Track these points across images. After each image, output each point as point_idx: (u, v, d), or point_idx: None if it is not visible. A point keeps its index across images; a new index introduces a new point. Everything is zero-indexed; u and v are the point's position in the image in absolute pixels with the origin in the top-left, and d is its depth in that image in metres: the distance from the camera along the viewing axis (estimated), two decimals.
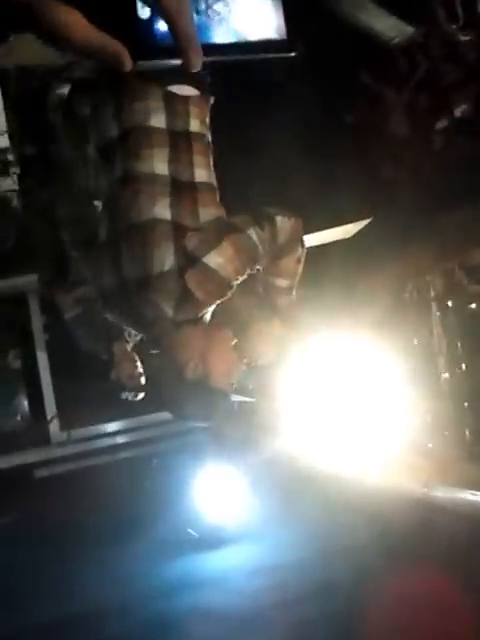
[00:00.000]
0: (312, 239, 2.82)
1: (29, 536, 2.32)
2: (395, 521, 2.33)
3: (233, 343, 2.11)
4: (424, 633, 1.99)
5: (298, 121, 2.86)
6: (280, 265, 2.10)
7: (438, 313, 2.96)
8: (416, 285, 2.95)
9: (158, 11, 0.84)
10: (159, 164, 1.99)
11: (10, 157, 2.54)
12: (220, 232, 1.96)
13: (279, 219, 2.01)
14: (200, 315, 2.02)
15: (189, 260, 1.93)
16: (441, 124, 3.12)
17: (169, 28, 0.86)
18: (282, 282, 2.15)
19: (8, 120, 2.53)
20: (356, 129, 3.02)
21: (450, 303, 2.96)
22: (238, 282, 1.99)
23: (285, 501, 2.56)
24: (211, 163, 2.09)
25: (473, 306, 2.98)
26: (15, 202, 2.72)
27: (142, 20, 1.29)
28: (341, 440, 2.79)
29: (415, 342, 2.96)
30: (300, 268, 2.15)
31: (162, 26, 1.27)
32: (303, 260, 2.15)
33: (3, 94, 2.50)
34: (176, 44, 0.87)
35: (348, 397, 2.80)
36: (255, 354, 2.20)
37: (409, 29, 2.97)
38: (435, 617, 2.03)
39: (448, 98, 3.10)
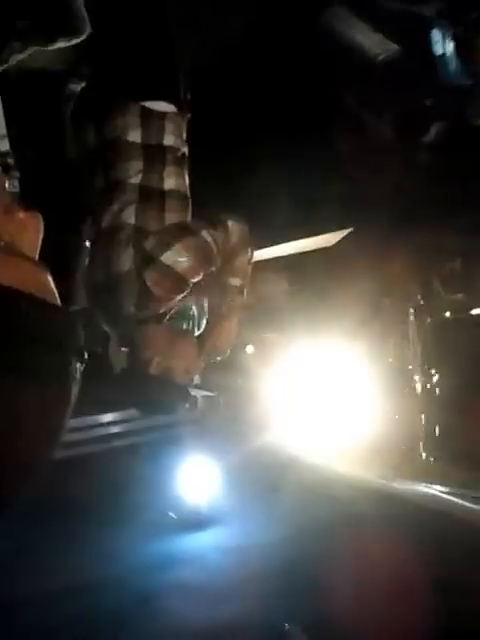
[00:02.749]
0: (292, 247, 3.02)
1: (24, 514, 2.54)
2: (359, 508, 2.55)
3: (193, 341, 2.33)
4: (378, 611, 2.18)
5: (280, 133, 2.99)
6: (234, 265, 2.33)
7: (413, 319, 3.15)
8: (393, 294, 3.15)
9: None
10: (132, 175, 2.22)
11: (10, 160, 2.60)
12: (176, 234, 2.19)
13: (230, 222, 2.26)
14: (161, 312, 2.24)
15: (147, 260, 2.16)
16: (424, 139, 3.27)
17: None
18: (236, 281, 2.38)
19: (8, 124, 2.57)
20: (337, 141, 3.17)
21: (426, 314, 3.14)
22: (194, 280, 2.21)
23: (262, 489, 2.79)
24: (185, 173, 2.31)
25: (447, 314, 3.17)
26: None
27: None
28: (316, 434, 3.03)
29: (391, 347, 3.16)
30: (250, 269, 2.37)
31: None
32: (252, 261, 2.36)
33: (3, 97, 2.55)
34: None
35: (323, 396, 3.04)
36: (213, 351, 2.41)
37: (394, 46, 3.11)
38: (388, 598, 2.22)
39: (429, 115, 3.24)
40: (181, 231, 2.23)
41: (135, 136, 2.23)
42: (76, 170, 2.39)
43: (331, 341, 3.04)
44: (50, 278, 0.84)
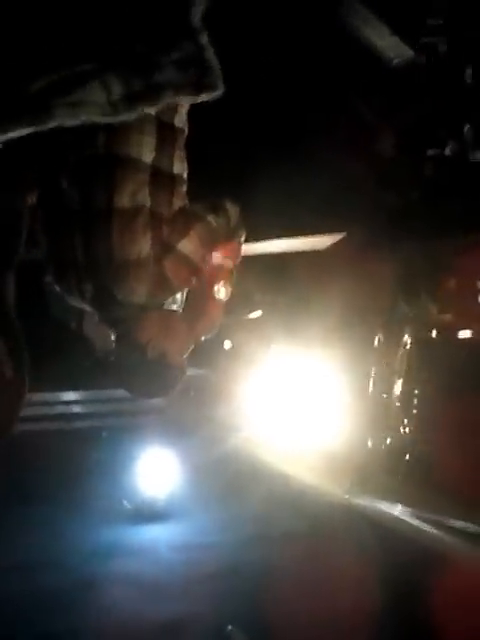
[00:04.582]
0: (283, 245, 2.94)
1: None
2: (316, 520, 2.50)
3: (184, 323, 2.29)
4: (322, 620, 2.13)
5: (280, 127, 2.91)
6: (228, 246, 2.27)
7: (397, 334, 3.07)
8: (378, 306, 3.07)
9: None
10: (146, 152, 2.14)
11: None
12: (187, 220, 2.13)
13: (228, 204, 2.20)
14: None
15: (165, 248, 2.10)
16: (431, 152, 3.21)
17: None
18: (228, 262, 2.32)
19: None
20: (339, 143, 3.10)
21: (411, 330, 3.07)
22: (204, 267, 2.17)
23: (223, 489, 2.74)
24: (185, 157, 2.25)
25: (434, 334, 3.09)
26: None
27: None
28: (285, 439, 2.96)
29: (370, 360, 3.07)
30: (241, 250, 2.32)
31: None
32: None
33: None
34: None
35: (296, 402, 2.97)
36: (202, 332, 2.37)
37: (410, 52, 3.05)
38: (333, 609, 2.17)
39: (437, 127, 3.18)
40: (191, 217, 2.17)
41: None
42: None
43: (309, 347, 2.98)
44: None
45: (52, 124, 1.57)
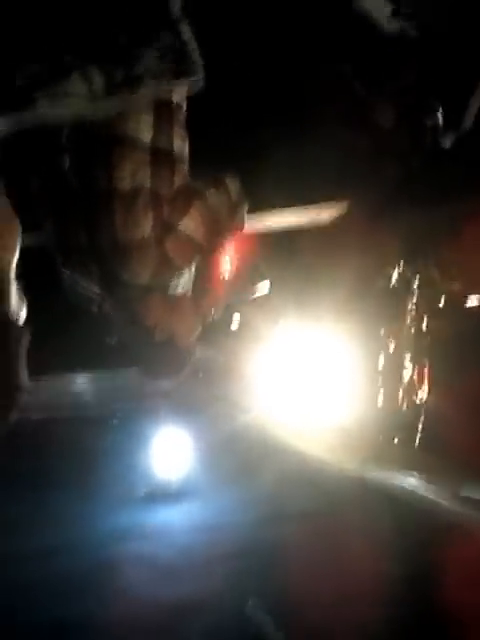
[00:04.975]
0: (283, 220, 2.89)
1: None
2: (333, 495, 2.50)
3: (191, 303, 2.27)
4: (342, 598, 2.14)
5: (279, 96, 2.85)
6: (230, 222, 2.25)
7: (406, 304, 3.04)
8: (385, 276, 3.04)
9: None
10: (144, 130, 2.11)
11: None
12: (187, 198, 2.11)
13: (228, 180, 2.17)
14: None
15: (166, 228, 2.07)
16: (430, 122, 3.16)
17: None
18: (231, 238, 2.31)
19: None
20: (338, 115, 3.04)
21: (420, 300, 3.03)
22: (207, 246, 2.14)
23: (237, 469, 2.75)
24: (185, 135, 2.21)
25: (442, 303, 3.06)
26: None
27: None
28: (298, 415, 2.95)
29: (380, 331, 3.05)
30: (244, 225, 2.31)
31: None
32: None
33: None
34: None
35: (308, 377, 2.95)
36: (209, 310, 2.36)
37: (407, 24, 2.99)
38: (353, 586, 2.17)
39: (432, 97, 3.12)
40: (191, 195, 2.14)
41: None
42: None
43: (319, 321, 2.95)
44: None
45: (36, 116, 1.56)
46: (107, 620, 2.06)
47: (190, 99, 2.29)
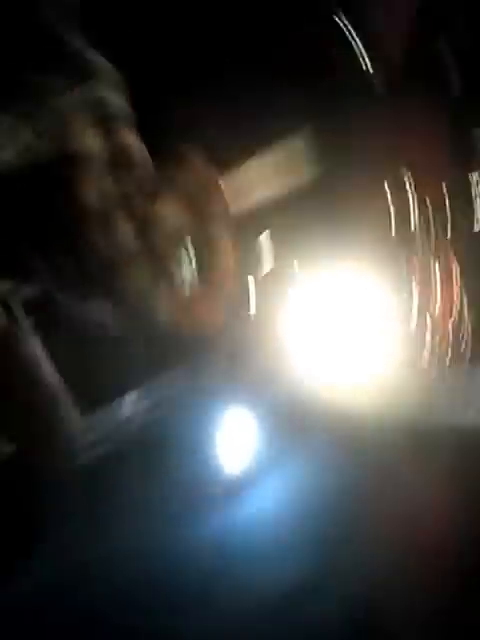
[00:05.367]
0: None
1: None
2: (395, 456, 2.53)
3: (202, 290, 2.25)
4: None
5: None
6: (207, 192, 2.22)
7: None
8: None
9: None
10: (90, 142, 2.01)
11: None
12: (154, 188, 2.05)
13: (188, 152, 2.13)
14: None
15: (145, 224, 2.03)
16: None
17: None
18: (217, 207, 2.28)
19: None
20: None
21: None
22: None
23: (294, 444, 2.73)
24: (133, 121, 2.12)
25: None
26: None
27: None
28: (338, 368, 2.92)
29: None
30: (228, 189, 2.28)
31: None
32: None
33: None
34: None
35: (336, 330, 2.88)
36: (221, 288, 2.33)
37: None
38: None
39: None
40: (159, 181, 2.08)
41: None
42: None
43: (343, 263, 2.83)
44: None
45: None
46: (218, 611, 2.18)
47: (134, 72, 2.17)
